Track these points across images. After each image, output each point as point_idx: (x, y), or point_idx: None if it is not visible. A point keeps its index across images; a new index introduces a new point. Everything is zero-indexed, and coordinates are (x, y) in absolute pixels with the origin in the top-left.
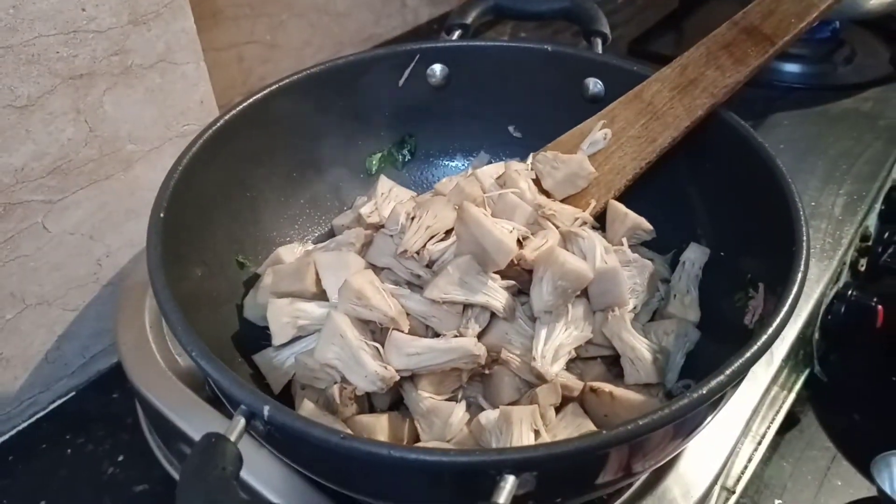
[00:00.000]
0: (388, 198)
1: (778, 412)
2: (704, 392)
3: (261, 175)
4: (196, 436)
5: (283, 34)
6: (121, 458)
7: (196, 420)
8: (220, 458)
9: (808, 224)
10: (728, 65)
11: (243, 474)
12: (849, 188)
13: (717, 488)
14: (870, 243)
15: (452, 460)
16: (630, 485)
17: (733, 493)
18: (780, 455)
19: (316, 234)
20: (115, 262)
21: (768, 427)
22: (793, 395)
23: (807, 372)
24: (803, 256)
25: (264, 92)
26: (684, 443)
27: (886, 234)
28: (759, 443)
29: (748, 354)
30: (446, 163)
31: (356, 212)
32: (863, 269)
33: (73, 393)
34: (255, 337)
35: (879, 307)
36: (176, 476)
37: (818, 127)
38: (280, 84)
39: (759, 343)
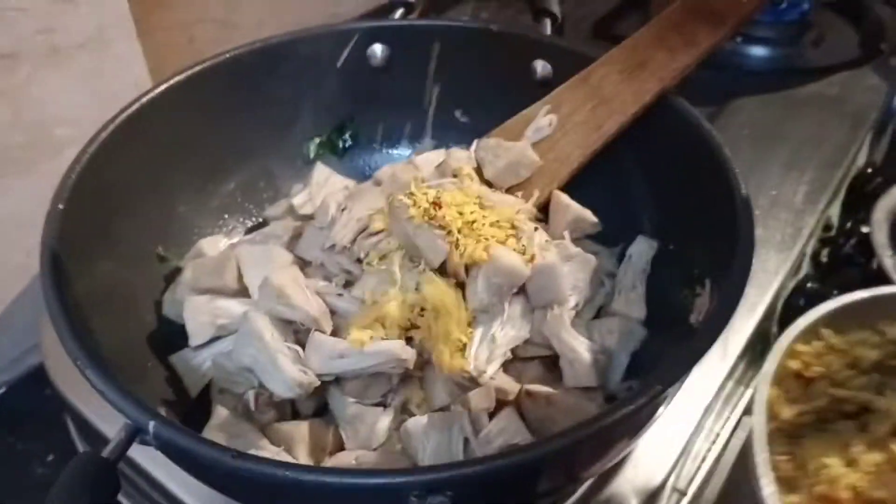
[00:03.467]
0: (324, 187)
1: (734, 409)
2: (630, 408)
3: (185, 161)
4: None
5: (237, 13)
6: (51, 458)
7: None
8: (90, 486)
9: (752, 217)
10: (678, 46)
11: (161, 478)
12: (811, 176)
13: (667, 489)
14: (832, 233)
15: (352, 482)
16: (574, 487)
17: (685, 494)
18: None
19: (248, 225)
20: None
21: (723, 425)
22: (750, 391)
23: None
24: (746, 254)
25: (188, 73)
26: (613, 456)
27: (849, 224)
28: (714, 441)
29: (675, 368)
30: (389, 150)
31: (289, 201)
32: (825, 260)
33: (4, 388)
34: (174, 336)
35: None
36: None
37: (782, 111)
38: (205, 64)
39: (685, 355)
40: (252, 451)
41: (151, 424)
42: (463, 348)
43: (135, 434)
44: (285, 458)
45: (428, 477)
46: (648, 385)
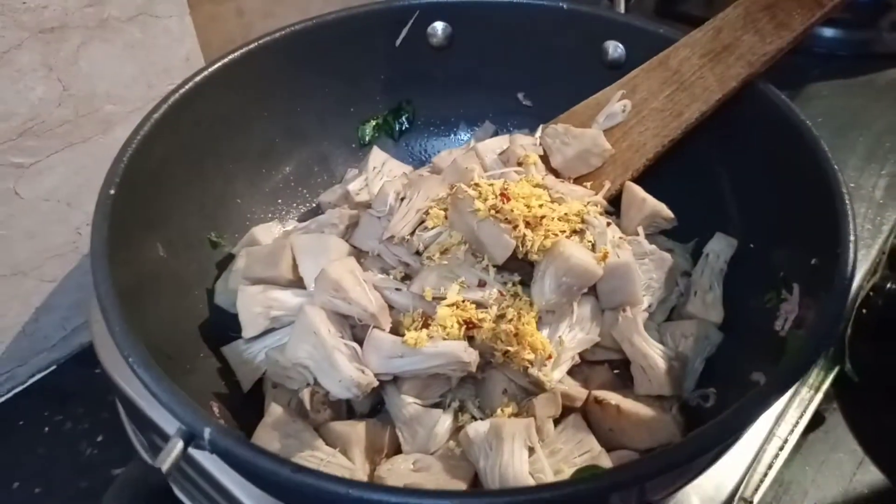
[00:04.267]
0: (381, 172)
1: (804, 413)
2: (720, 432)
3: (238, 143)
4: (169, 428)
5: None
6: (100, 439)
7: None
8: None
9: (854, 221)
10: (769, 29)
11: (223, 479)
12: (892, 168)
13: (736, 500)
14: None
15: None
16: None
17: (751, 503)
18: (803, 457)
19: (301, 211)
20: None
21: (793, 430)
22: (820, 395)
23: (836, 370)
24: (849, 265)
25: (241, 51)
26: (693, 479)
27: None
28: (782, 447)
29: (775, 391)
30: (448, 133)
31: (344, 187)
32: None
33: (54, 367)
34: (227, 326)
35: None
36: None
37: (861, 99)
38: (259, 42)
39: (784, 378)
40: (307, 453)
41: (207, 431)
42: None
43: (190, 440)
44: (340, 460)
45: (497, 501)
46: (745, 407)
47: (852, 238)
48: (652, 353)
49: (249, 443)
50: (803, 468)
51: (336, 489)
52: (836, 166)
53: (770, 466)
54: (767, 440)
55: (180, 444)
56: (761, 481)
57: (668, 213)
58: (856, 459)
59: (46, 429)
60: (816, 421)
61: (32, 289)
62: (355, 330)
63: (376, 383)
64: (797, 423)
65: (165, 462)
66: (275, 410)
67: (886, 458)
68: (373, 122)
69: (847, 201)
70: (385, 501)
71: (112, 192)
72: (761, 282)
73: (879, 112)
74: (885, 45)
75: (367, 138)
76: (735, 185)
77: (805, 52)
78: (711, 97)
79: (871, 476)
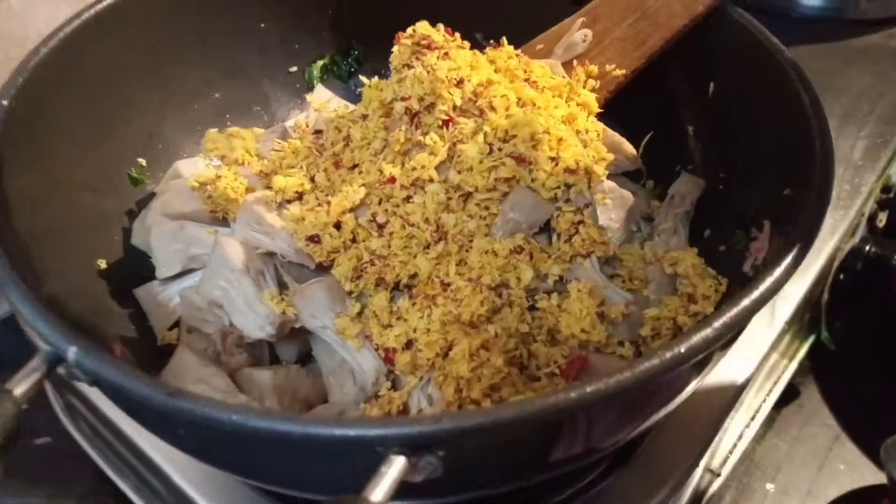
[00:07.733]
0: (325, 112)
1: (776, 383)
2: (682, 351)
3: (170, 74)
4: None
5: None
6: (24, 407)
7: None
8: None
9: (830, 139)
10: None
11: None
12: (870, 131)
13: (699, 470)
14: (891, 195)
15: (313, 432)
16: (593, 466)
17: (718, 475)
18: (776, 432)
19: None
20: None
21: (764, 400)
22: (794, 365)
23: (812, 339)
24: (826, 181)
25: None
26: (654, 416)
27: None
28: (753, 418)
29: (744, 303)
30: None
31: (283, 125)
32: (881, 224)
33: None
34: (144, 268)
35: None
36: (75, 434)
37: (837, 63)
38: None
39: (759, 290)
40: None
41: (72, 351)
42: None
43: (55, 363)
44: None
45: (414, 430)
46: (692, 334)
47: (829, 155)
48: (610, 295)
49: (121, 364)
50: (776, 443)
51: (218, 415)
52: (811, 84)
53: (740, 437)
54: (735, 407)
55: (42, 367)
56: (730, 453)
57: (630, 148)
58: (832, 434)
59: None
60: (790, 394)
61: None
62: (279, 271)
63: (295, 320)
64: (770, 391)
65: (19, 386)
66: (184, 354)
67: (864, 432)
68: (320, 63)
69: (822, 114)
70: (277, 430)
71: (5, 102)
72: (730, 223)
73: (855, 76)
74: (860, 11)
75: (315, 81)
76: (703, 119)
77: (781, 15)
78: (676, 24)
79: (847, 451)
